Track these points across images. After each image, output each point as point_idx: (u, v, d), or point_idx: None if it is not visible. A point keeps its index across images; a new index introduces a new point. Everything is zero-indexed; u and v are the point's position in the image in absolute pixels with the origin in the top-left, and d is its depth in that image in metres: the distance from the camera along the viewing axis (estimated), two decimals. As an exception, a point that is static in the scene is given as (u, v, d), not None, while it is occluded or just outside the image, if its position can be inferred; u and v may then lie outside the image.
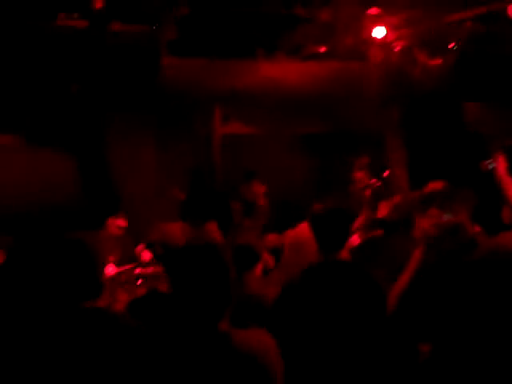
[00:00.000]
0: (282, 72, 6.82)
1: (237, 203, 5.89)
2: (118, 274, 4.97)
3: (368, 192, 5.92)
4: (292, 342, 2.71)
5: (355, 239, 4.46)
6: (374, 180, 5.99)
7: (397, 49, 6.53)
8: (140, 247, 5.76)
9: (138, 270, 5.15)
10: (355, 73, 6.77)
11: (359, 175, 6.12)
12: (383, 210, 5.70)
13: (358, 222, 4.89)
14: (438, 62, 6.47)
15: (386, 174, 6.24)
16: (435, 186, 4.02)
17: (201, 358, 2.06)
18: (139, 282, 4.87)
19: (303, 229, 4.01)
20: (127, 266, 5.20)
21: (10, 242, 3.03)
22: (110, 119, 6.75)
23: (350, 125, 7.14)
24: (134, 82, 6.26)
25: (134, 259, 5.52)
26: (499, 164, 3.83)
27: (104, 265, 4.77)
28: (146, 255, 5.67)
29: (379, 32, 6.45)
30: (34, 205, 5.70)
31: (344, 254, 3.12)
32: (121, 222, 5.82)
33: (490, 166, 3.91)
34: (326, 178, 7.38)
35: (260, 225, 5.96)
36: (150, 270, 5.14)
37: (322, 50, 6.73)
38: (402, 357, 2.90)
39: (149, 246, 4.14)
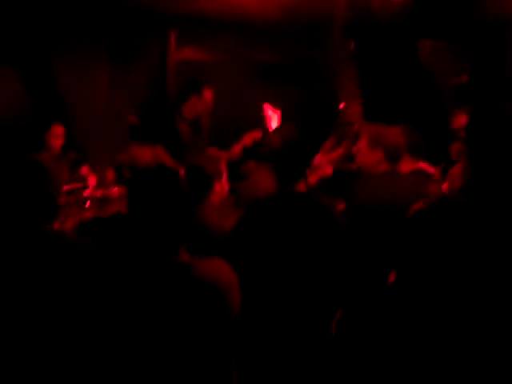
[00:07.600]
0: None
1: (183, 124, 5.70)
2: (68, 193, 4.75)
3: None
4: (247, 272, 2.73)
5: (328, 170, 4.53)
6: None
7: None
8: (85, 169, 5.62)
9: (87, 193, 4.93)
10: (318, 2, 6.61)
11: None
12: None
13: (336, 154, 4.96)
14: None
15: (341, 106, 6.23)
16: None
17: (161, 287, 2.03)
18: (87, 204, 4.72)
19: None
20: (72, 186, 4.93)
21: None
22: (61, 40, 6.49)
23: (309, 55, 7.09)
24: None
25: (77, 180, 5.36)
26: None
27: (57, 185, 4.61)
28: (92, 179, 5.53)
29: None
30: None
31: (301, 187, 3.12)
32: (57, 129, 5.74)
33: None
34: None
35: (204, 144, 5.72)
36: (99, 193, 4.92)
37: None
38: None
39: (117, 169, 4.01)
